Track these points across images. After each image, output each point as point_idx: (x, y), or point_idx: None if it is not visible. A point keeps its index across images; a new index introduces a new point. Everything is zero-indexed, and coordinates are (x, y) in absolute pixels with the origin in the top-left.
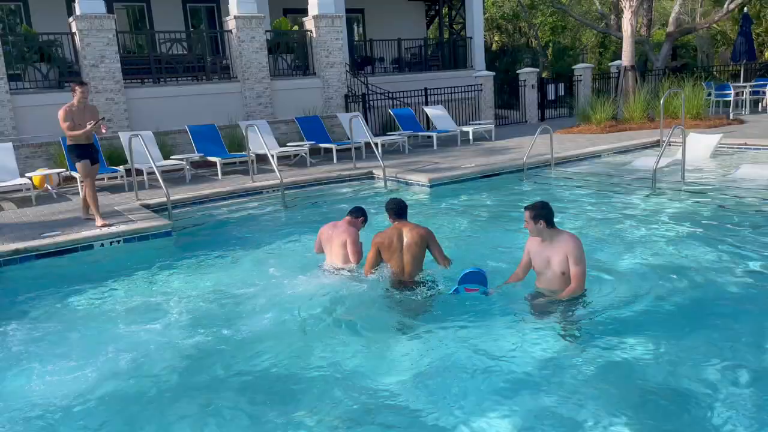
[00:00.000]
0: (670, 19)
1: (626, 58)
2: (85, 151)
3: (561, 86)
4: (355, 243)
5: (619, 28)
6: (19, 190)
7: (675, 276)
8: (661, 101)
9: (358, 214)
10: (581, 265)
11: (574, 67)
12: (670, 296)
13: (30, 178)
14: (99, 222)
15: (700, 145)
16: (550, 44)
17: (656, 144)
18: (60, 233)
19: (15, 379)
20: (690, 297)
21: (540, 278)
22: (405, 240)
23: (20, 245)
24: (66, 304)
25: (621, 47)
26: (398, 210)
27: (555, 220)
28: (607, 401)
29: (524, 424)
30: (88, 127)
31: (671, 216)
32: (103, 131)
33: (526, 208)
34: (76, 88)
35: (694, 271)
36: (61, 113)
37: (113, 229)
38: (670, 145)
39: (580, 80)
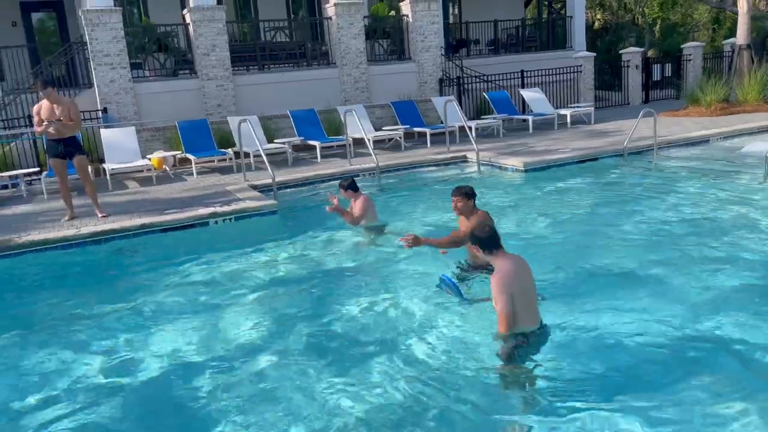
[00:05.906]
0: None
1: (741, 36)
2: (51, 147)
3: (668, 66)
4: None
5: (735, 2)
6: (141, 171)
7: None
8: None
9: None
10: (499, 304)
11: (683, 45)
12: None
13: (149, 160)
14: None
15: None
16: (658, 21)
17: None
18: (179, 211)
19: (147, 336)
20: None
21: None
22: None
23: (146, 220)
24: (188, 273)
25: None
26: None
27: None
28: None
29: None
30: (43, 127)
31: None
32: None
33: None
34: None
35: None
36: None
37: (226, 208)
38: None
39: (690, 60)
